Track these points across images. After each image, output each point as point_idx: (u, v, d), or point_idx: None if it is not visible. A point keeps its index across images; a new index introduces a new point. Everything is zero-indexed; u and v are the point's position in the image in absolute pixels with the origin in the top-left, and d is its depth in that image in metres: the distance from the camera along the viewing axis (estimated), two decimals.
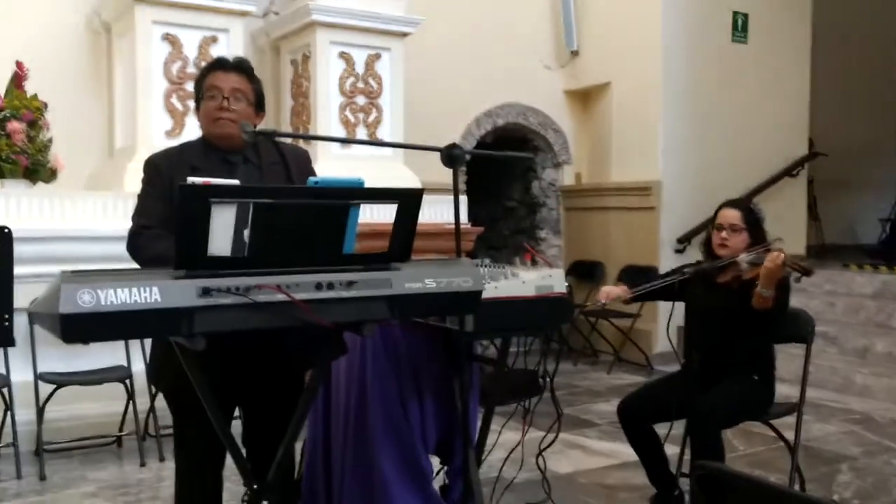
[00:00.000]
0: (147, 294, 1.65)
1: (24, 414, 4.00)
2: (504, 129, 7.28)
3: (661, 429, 3.20)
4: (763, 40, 7.08)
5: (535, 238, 7.74)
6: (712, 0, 6.83)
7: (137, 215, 2.39)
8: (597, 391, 5.78)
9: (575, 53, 7.34)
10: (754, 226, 3.22)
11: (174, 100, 4.99)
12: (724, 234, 3.21)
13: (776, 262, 2.93)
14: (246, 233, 1.79)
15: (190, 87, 4.97)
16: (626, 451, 3.37)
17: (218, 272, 1.74)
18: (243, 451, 2.46)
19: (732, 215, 3.22)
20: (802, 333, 3.30)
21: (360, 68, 5.62)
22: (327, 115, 5.49)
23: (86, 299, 1.59)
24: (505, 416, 3.03)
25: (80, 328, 1.60)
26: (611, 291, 3.27)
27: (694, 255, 4.14)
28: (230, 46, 5.05)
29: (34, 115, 4.51)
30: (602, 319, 6.73)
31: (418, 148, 2.88)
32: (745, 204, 3.35)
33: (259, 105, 2.51)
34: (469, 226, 5.50)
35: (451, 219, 2.56)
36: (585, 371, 6.51)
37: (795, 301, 3.31)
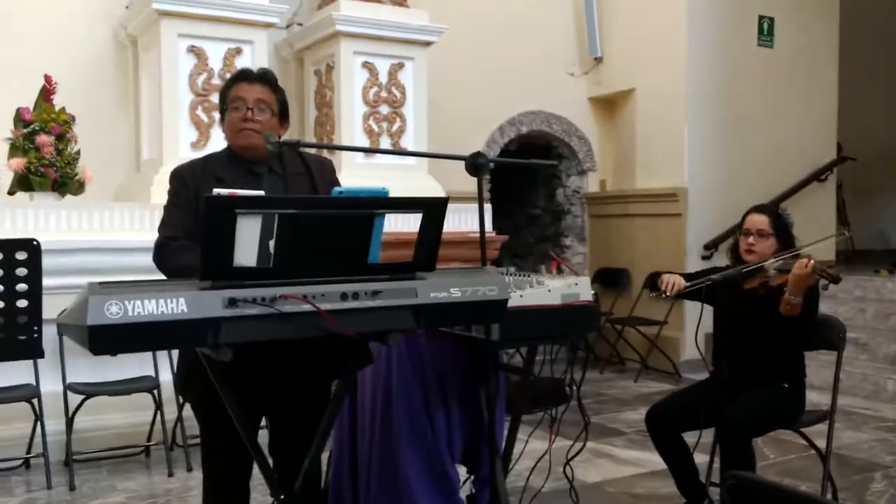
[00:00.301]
0: (174, 305, 1.66)
1: (54, 424, 4.04)
2: (528, 136, 7.27)
3: (690, 437, 3.16)
4: (790, 44, 7.01)
5: (560, 245, 7.70)
6: (738, 4, 6.77)
7: (164, 227, 2.41)
8: (624, 399, 5.73)
9: (599, 60, 7.31)
10: (782, 231, 3.18)
11: (199, 112, 5.03)
12: (751, 239, 3.17)
13: (805, 269, 2.89)
14: (271, 243, 1.79)
15: (215, 98, 4.99)
16: (655, 460, 3.33)
17: (244, 283, 1.74)
18: (270, 460, 2.47)
19: (760, 220, 3.18)
20: (833, 340, 3.24)
21: (383, 78, 5.64)
22: (351, 125, 5.51)
23: (113, 311, 1.60)
24: (532, 424, 3.01)
25: (107, 340, 1.61)
26: (676, 281, 3.17)
27: (721, 261, 4.08)
28: (255, 58, 5.09)
29: (62, 128, 4.57)
30: (629, 327, 6.68)
31: (442, 157, 2.88)
32: (772, 209, 3.30)
33: (283, 115, 2.52)
34: (494, 234, 5.49)
35: (476, 227, 2.55)
36: (612, 379, 6.46)
37: (825, 307, 3.27)
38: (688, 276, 3.34)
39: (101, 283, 1.66)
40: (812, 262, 2.91)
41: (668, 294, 3.16)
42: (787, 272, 2.99)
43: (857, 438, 4.60)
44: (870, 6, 8.54)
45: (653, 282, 3.32)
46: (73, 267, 4.10)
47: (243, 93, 2.43)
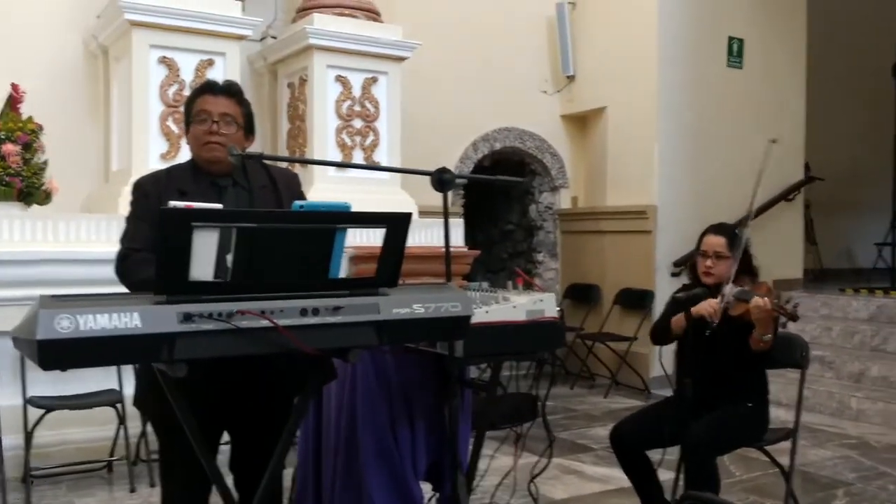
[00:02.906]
0: (128, 319, 1.64)
1: (12, 439, 3.95)
2: (501, 152, 7.30)
3: (654, 454, 3.17)
4: (758, 66, 7.11)
5: (533, 261, 7.73)
6: (708, 26, 6.86)
7: (126, 239, 2.38)
8: (593, 415, 5.74)
9: (571, 78, 7.36)
10: (740, 252, 3.17)
11: (170, 123, 4.99)
12: (709, 262, 3.18)
13: (765, 309, 2.90)
14: (229, 258, 1.78)
15: None
16: (622, 477, 3.33)
17: (200, 298, 1.72)
18: (230, 477, 2.43)
19: (717, 242, 3.19)
20: (796, 358, 3.27)
21: (356, 92, 5.64)
22: (324, 139, 5.50)
23: (64, 325, 1.58)
24: (499, 440, 3.00)
25: (57, 355, 1.58)
26: (714, 305, 3.04)
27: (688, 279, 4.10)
28: (227, 70, 5.06)
29: (29, 137, 4.51)
30: (599, 343, 6.71)
31: (408, 172, 2.89)
32: (730, 229, 3.27)
33: (249, 129, 2.51)
34: (466, 249, 5.49)
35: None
36: (582, 395, 6.47)
37: (793, 325, 3.27)
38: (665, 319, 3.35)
39: (52, 297, 1.63)
40: (768, 300, 2.91)
41: (716, 321, 3.03)
42: (745, 301, 2.99)
43: (822, 456, 4.64)
44: (837, 28, 8.70)
45: (692, 318, 3.12)
46: (36, 278, 4.04)
47: (208, 105, 2.42)
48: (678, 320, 3.17)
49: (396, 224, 1.98)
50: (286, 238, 1.83)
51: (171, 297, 1.71)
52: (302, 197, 2.54)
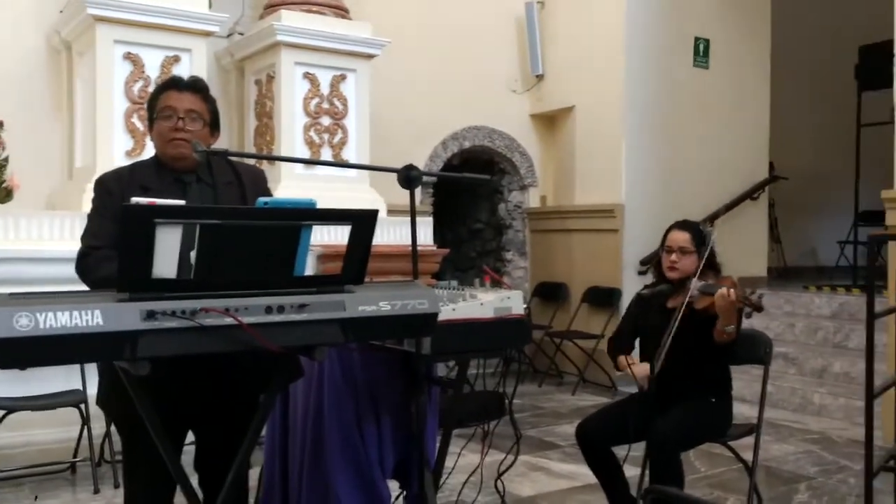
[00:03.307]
0: (89, 317, 1.62)
1: None
2: (471, 151, 7.31)
3: (620, 451, 3.19)
4: (724, 66, 7.20)
5: (502, 259, 7.75)
6: (674, 26, 6.93)
7: (87, 236, 2.35)
8: (561, 412, 5.77)
9: (540, 77, 7.40)
10: (703, 247, 3.22)
11: (135, 119, 4.93)
12: (673, 256, 3.22)
13: (728, 299, 2.94)
14: (192, 254, 1.76)
15: None
16: (589, 474, 3.35)
17: (163, 295, 1.71)
18: (195, 476, 2.41)
19: (681, 238, 3.23)
20: (759, 355, 3.32)
21: (325, 89, 5.61)
22: (291, 136, 5.46)
23: (23, 322, 1.55)
24: (465, 438, 3.01)
25: (15, 353, 1.56)
26: (646, 374, 3.12)
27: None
28: (193, 66, 5.01)
29: None
30: (567, 341, 6.75)
31: (375, 169, 2.88)
32: (693, 225, 3.31)
33: (214, 125, 2.49)
34: (435, 248, 5.49)
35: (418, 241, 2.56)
36: (550, 392, 6.51)
37: (757, 322, 3.33)
38: (623, 328, 3.43)
39: (10, 295, 1.61)
40: (734, 292, 2.96)
41: (647, 388, 3.12)
42: (710, 294, 3.04)
43: (784, 451, 4.71)
44: (801, 30, 8.84)
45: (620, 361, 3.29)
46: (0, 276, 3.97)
47: (173, 102, 2.39)
48: (621, 363, 3.26)
49: (362, 221, 1.98)
50: (251, 235, 1.82)
51: (133, 294, 1.69)
52: (268, 194, 2.52)
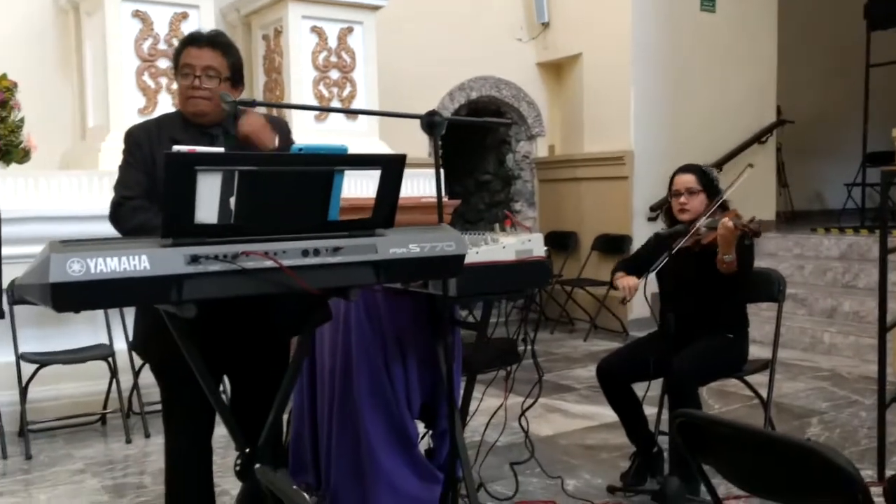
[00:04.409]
0: (136, 262, 1.67)
1: (7, 395, 4.01)
2: (477, 102, 7.31)
3: (638, 390, 3.28)
4: (731, 10, 7.15)
5: (511, 210, 7.79)
6: None
7: (120, 186, 2.40)
8: (574, 358, 5.88)
9: (546, 25, 7.36)
10: (710, 186, 3.30)
11: (146, 77, 4.95)
12: (682, 198, 3.29)
13: (728, 227, 3.01)
14: (232, 200, 1.82)
15: (162, 64, 4.95)
16: (606, 413, 3.45)
17: (205, 240, 1.77)
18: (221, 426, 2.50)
19: (688, 179, 3.31)
20: (773, 293, 3.39)
21: (332, 42, 5.61)
22: (300, 90, 5.48)
23: (76, 268, 1.61)
24: (485, 384, 3.10)
25: (70, 297, 1.61)
26: (630, 284, 3.24)
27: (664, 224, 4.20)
28: (201, 22, 5.00)
29: (5, 95, 4.46)
30: (577, 288, 6.83)
31: (398, 115, 2.90)
32: (697, 167, 3.40)
33: (236, 79, 2.51)
34: (446, 199, 5.52)
35: (426, 192, 2.60)
36: (563, 339, 6.61)
37: (766, 264, 3.39)
38: (637, 258, 3.48)
39: (62, 242, 1.66)
40: (732, 219, 3.03)
41: (629, 299, 3.24)
42: (714, 228, 3.12)
43: (796, 388, 4.81)
44: None
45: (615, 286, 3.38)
46: (20, 236, 4.00)
47: (191, 59, 2.42)
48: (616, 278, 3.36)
49: (391, 166, 2.02)
50: (287, 181, 1.87)
51: (177, 239, 1.75)
52: (291, 143, 2.57)
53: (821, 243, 6.71)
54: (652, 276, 3.38)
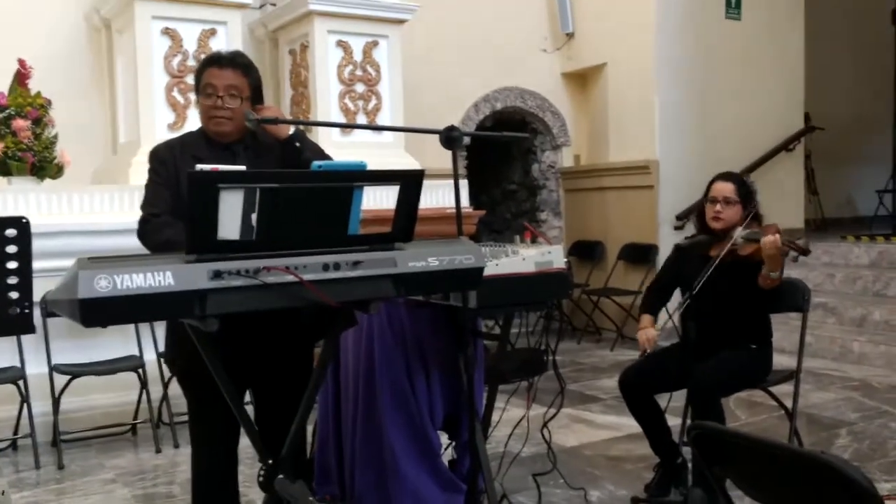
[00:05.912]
0: (161, 278, 1.72)
1: (40, 406, 4.10)
2: (503, 112, 7.34)
3: (661, 401, 3.28)
4: (757, 16, 7.11)
5: (536, 220, 7.80)
6: None
7: (146, 204, 2.46)
8: (601, 367, 5.86)
9: (570, 35, 7.38)
10: (747, 198, 3.28)
11: (175, 93, 5.05)
12: (718, 207, 3.27)
13: (775, 245, 2.99)
14: (253, 217, 1.86)
15: (191, 80, 5.00)
16: (630, 424, 3.45)
17: (228, 256, 1.81)
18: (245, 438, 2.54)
19: (726, 188, 3.28)
20: (798, 303, 3.37)
21: (358, 56, 5.68)
22: (327, 104, 5.55)
23: (103, 284, 1.66)
24: (508, 394, 3.12)
25: (98, 312, 1.67)
26: (650, 337, 3.28)
27: (692, 231, 4.19)
28: (229, 39, 5.11)
29: (39, 112, 4.57)
30: (604, 298, 6.81)
31: (416, 131, 2.96)
32: (738, 176, 3.38)
33: (256, 98, 2.55)
34: (471, 209, 5.57)
35: (452, 203, 2.63)
36: (589, 348, 6.60)
37: (796, 274, 3.37)
38: (662, 277, 3.52)
39: (90, 259, 1.72)
40: (779, 237, 3.01)
41: (649, 351, 3.26)
42: (754, 241, 3.10)
43: (825, 398, 4.76)
44: None
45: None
46: (55, 250, 4.10)
47: (214, 79, 2.46)
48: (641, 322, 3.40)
49: (410, 181, 2.06)
50: (307, 197, 1.91)
51: (200, 255, 1.79)
52: (318, 149, 2.62)
53: (850, 251, 6.64)
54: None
